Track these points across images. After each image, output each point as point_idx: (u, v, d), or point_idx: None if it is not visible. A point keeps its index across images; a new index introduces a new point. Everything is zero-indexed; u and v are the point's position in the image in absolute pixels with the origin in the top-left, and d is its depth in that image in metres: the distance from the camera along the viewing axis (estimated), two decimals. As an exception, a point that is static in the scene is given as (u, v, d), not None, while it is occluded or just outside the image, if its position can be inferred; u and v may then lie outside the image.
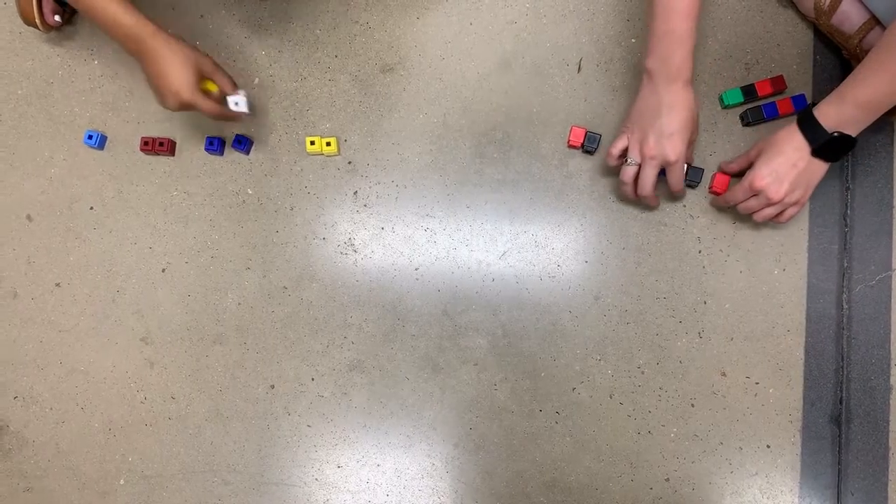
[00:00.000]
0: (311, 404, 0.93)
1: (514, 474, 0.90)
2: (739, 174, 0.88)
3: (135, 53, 0.79)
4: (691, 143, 0.81)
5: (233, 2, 0.97)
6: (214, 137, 0.94)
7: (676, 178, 0.82)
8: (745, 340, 0.89)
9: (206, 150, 0.94)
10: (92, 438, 0.95)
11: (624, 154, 0.83)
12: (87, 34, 0.99)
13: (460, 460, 0.91)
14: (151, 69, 0.79)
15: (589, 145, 0.90)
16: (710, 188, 0.89)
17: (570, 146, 0.92)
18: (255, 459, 0.93)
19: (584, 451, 0.90)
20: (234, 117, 0.87)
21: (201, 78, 0.82)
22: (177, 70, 0.79)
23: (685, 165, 0.83)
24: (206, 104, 0.82)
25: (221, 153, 0.95)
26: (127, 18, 0.77)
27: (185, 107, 0.81)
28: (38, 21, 0.92)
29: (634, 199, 0.86)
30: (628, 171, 0.83)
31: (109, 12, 0.76)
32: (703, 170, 0.89)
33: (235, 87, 0.87)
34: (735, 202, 0.84)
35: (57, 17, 0.94)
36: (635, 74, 0.92)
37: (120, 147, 0.97)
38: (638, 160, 0.81)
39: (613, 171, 0.90)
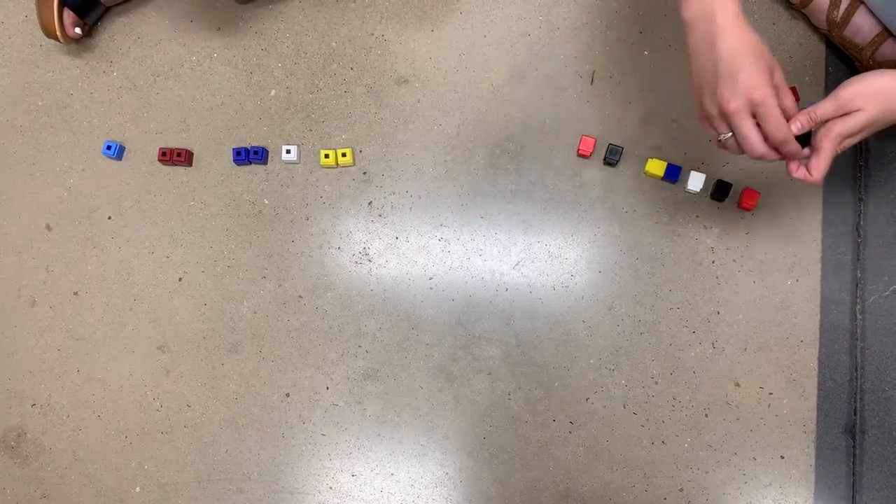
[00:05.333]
0: (325, 413, 0.93)
1: (528, 484, 0.91)
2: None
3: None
4: (780, 83, 0.66)
5: (249, 14, 0.99)
6: (241, 148, 0.95)
7: (773, 122, 0.64)
8: (759, 351, 0.89)
9: (235, 160, 0.96)
10: (108, 446, 0.96)
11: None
12: (107, 46, 1.00)
13: (474, 469, 0.91)
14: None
15: (611, 157, 0.91)
16: (739, 203, 0.90)
17: (580, 155, 0.93)
18: (270, 468, 0.93)
19: (597, 461, 0.90)
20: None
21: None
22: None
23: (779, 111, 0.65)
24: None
25: (249, 162, 0.96)
26: None
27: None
28: (58, 33, 0.94)
29: (777, 156, 0.68)
30: (730, 144, 0.68)
31: None
32: (732, 185, 0.89)
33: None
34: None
35: (77, 30, 0.95)
36: (648, 86, 0.93)
37: (138, 157, 0.98)
38: (728, 131, 0.67)
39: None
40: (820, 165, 0.67)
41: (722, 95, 0.65)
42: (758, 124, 0.65)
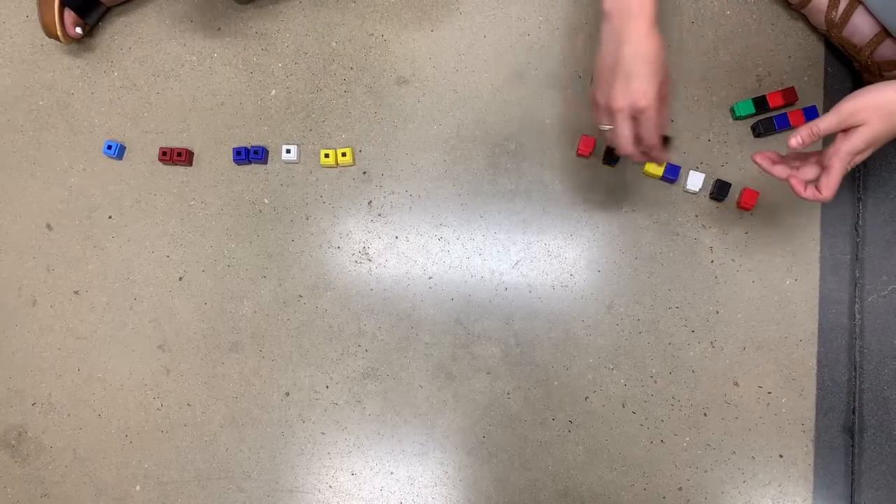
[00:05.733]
0: (325, 412, 0.94)
1: (527, 483, 0.91)
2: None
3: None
4: (664, 96, 0.71)
5: (249, 15, 0.99)
6: (241, 147, 0.95)
7: (648, 126, 0.70)
8: (758, 350, 0.90)
9: (235, 160, 0.96)
10: (109, 445, 0.96)
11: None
12: (108, 46, 1.00)
13: (473, 468, 0.92)
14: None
15: (610, 157, 0.91)
16: (738, 203, 0.90)
17: (580, 155, 0.93)
18: (270, 466, 0.94)
19: (596, 460, 0.90)
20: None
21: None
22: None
23: (662, 121, 0.72)
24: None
25: (249, 162, 0.96)
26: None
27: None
28: (59, 33, 0.94)
29: (641, 157, 0.75)
30: (607, 135, 0.74)
31: None
32: (731, 184, 0.90)
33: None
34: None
35: (78, 30, 0.96)
36: (647, 86, 0.93)
37: (138, 157, 0.99)
38: (609, 123, 0.72)
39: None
40: (830, 183, 0.69)
41: (613, 93, 0.70)
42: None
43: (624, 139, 0.72)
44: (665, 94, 0.71)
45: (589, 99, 0.74)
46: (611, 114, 0.71)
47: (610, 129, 0.73)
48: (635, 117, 0.70)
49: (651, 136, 0.72)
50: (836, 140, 0.68)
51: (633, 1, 0.69)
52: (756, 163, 0.73)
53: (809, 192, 0.71)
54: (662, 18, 0.94)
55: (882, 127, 0.66)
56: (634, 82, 0.68)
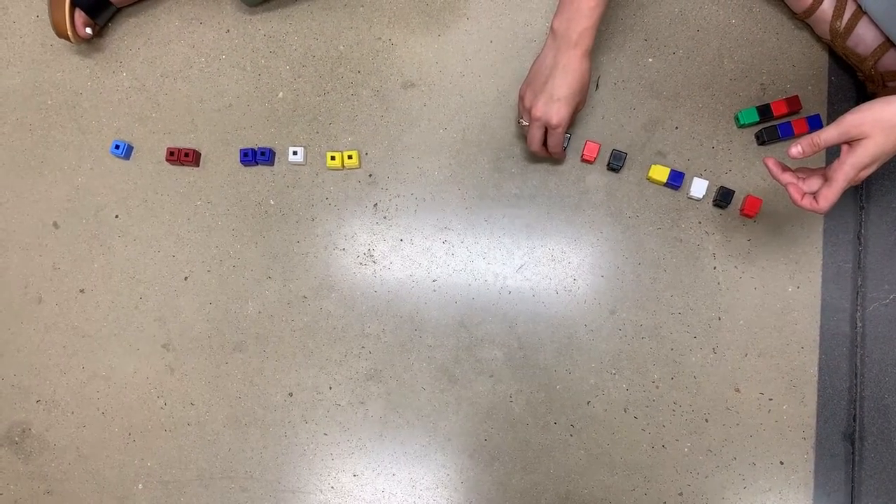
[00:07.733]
0: (328, 413, 0.94)
1: (529, 486, 0.91)
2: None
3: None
4: (576, 112, 0.83)
5: (258, 17, 1.00)
6: (248, 149, 0.96)
7: (556, 142, 0.84)
8: (760, 357, 0.90)
9: (242, 161, 0.97)
10: (112, 443, 0.96)
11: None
12: (117, 47, 1.01)
13: (475, 471, 0.92)
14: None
15: (614, 163, 0.91)
16: (741, 210, 0.91)
17: (584, 160, 0.93)
18: (273, 466, 0.94)
19: (598, 465, 0.91)
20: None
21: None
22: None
23: (567, 130, 0.87)
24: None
25: (256, 163, 0.97)
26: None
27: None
28: (69, 33, 0.95)
29: (545, 154, 0.89)
30: (523, 130, 0.87)
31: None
32: (734, 192, 0.90)
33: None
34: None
35: (88, 30, 0.96)
36: (652, 93, 0.94)
37: (146, 157, 0.99)
38: (527, 121, 0.84)
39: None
40: (829, 196, 0.69)
41: (535, 103, 0.81)
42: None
43: (534, 139, 0.85)
44: (578, 111, 0.84)
45: (520, 92, 0.84)
46: (529, 117, 0.83)
47: (525, 126, 0.85)
48: (547, 128, 0.82)
49: (556, 146, 0.85)
50: (841, 154, 0.68)
51: (574, 30, 0.77)
52: (767, 166, 0.73)
53: (807, 202, 0.71)
54: (667, 24, 0.95)
55: (885, 141, 0.66)
56: (555, 104, 0.80)
